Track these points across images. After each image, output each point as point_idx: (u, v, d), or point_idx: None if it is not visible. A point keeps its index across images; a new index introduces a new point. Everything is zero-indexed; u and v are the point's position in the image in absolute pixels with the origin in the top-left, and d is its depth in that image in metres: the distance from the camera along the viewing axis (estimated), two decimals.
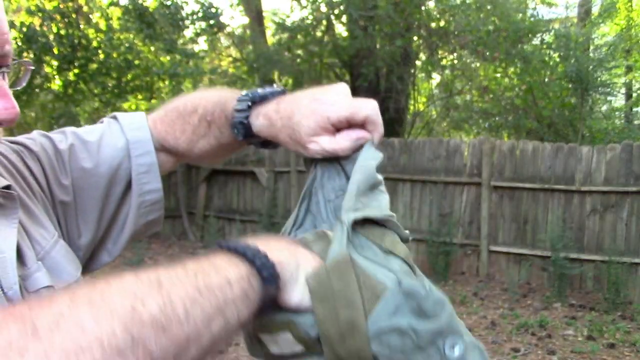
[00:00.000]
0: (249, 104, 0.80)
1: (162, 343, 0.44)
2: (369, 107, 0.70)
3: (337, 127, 0.71)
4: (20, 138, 0.87)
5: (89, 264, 0.92)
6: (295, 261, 0.58)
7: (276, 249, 0.58)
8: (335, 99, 0.72)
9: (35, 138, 0.88)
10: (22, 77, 0.75)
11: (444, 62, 10.62)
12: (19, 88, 0.75)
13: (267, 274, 0.54)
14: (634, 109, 11.16)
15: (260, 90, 0.82)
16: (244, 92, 0.83)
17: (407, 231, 0.67)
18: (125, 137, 0.91)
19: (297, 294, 0.57)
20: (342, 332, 0.54)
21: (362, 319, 0.54)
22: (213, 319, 0.49)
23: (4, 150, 0.83)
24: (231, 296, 0.51)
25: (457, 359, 0.55)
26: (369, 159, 0.68)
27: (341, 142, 0.70)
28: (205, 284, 0.50)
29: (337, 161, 0.71)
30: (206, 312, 0.48)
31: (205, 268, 0.52)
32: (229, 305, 0.50)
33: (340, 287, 0.55)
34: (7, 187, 0.75)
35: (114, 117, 0.96)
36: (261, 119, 0.78)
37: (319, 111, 0.70)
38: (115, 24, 9.61)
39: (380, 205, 0.65)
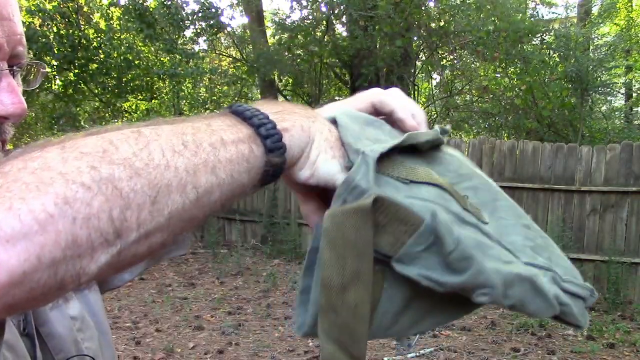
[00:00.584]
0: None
1: (134, 184, 0.42)
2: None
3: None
4: None
5: (109, 281, 0.92)
6: (307, 135, 0.55)
7: (289, 118, 0.54)
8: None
9: None
10: (35, 79, 0.77)
11: (444, 62, 10.63)
12: (30, 89, 0.76)
13: (272, 143, 0.51)
14: (634, 109, 11.17)
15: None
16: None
17: (445, 127, 0.62)
18: None
19: (306, 170, 0.55)
20: (344, 282, 0.51)
21: (369, 271, 0.52)
22: (200, 171, 0.46)
23: None
24: (225, 155, 0.48)
25: (485, 302, 0.53)
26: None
27: None
28: (194, 139, 0.47)
29: None
30: (192, 164, 0.46)
31: (199, 126, 0.49)
32: (221, 163, 0.48)
33: (354, 235, 0.51)
34: None
35: None
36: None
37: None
38: (115, 24, 9.62)
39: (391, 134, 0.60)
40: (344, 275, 0.51)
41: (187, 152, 0.46)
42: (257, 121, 0.51)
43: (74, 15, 9.17)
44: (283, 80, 11.21)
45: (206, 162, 0.47)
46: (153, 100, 10.70)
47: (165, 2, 9.28)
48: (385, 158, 0.55)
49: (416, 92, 11.20)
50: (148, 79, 9.83)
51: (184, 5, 9.49)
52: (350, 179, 0.54)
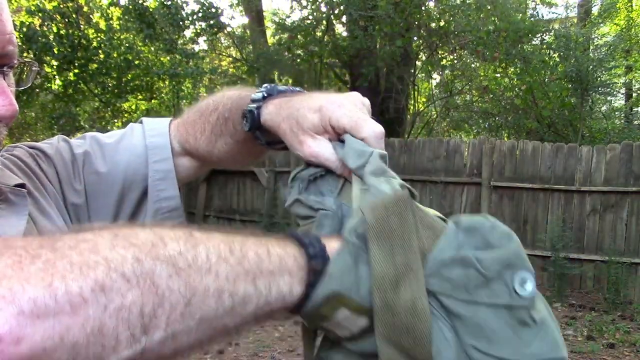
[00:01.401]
0: (265, 94, 0.78)
1: (172, 283, 0.43)
2: (369, 130, 0.65)
3: (337, 133, 0.67)
4: (38, 143, 0.90)
5: None
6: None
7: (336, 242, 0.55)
8: (345, 103, 0.68)
9: (53, 142, 0.91)
10: (27, 77, 0.76)
11: (444, 62, 10.63)
12: (23, 88, 0.76)
13: (318, 263, 0.51)
14: (634, 109, 11.16)
15: (281, 87, 0.80)
16: (264, 86, 0.81)
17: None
18: (144, 143, 0.92)
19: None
20: (397, 276, 0.49)
21: (419, 262, 0.50)
22: (240, 281, 0.46)
23: (21, 154, 0.86)
24: (268, 267, 0.48)
25: (529, 296, 0.49)
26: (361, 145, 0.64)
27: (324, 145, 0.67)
28: (241, 247, 0.48)
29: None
30: (233, 272, 0.46)
31: (247, 236, 0.50)
32: (263, 274, 0.48)
33: (397, 226, 0.51)
34: (21, 185, 0.78)
35: (141, 122, 0.97)
36: (270, 107, 0.75)
37: (324, 109, 0.67)
38: (115, 24, 9.61)
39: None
40: (395, 268, 0.50)
41: (232, 258, 0.47)
42: (307, 240, 0.52)
43: (74, 15, 9.17)
44: (283, 80, 11.21)
45: (248, 272, 0.47)
46: (153, 100, 10.70)
47: (165, 2, 9.27)
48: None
49: (416, 92, 11.20)
50: (148, 79, 9.82)
51: (184, 5, 9.49)
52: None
